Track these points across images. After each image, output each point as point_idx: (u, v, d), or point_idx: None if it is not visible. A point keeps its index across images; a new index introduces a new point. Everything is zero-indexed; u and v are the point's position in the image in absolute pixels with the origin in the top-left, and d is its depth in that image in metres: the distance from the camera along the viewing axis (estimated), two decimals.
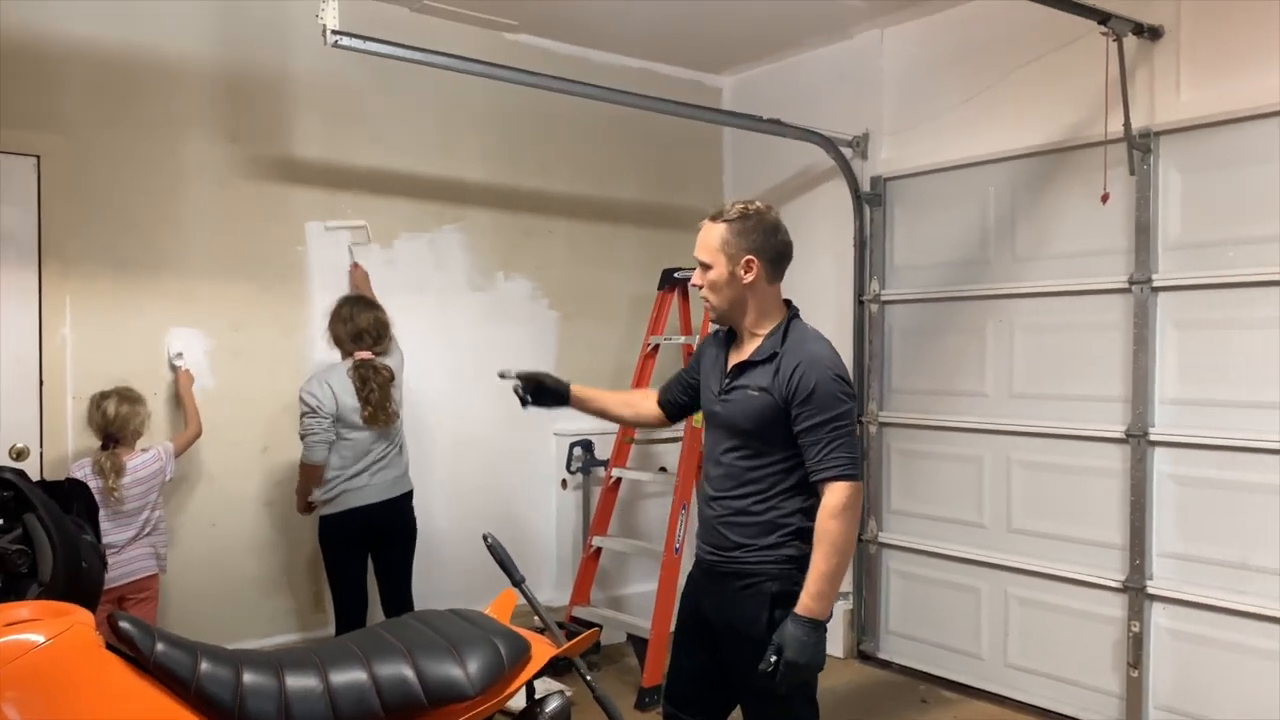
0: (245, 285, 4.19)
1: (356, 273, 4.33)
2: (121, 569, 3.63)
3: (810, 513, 2.39)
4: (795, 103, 5.02)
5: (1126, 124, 3.70)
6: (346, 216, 4.42)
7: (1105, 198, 3.78)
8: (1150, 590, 3.80)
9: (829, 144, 4.76)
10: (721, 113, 5.30)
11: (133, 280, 3.95)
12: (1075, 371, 4.07)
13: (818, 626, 2.31)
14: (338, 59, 3.82)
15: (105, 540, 3.50)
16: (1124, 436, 3.87)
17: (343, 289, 4.39)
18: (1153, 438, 3.80)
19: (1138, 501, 3.83)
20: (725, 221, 2.46)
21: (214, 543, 4.08)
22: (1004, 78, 4.31)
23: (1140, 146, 3.77)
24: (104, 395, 3.69)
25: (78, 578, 2.52)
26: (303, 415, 3.80)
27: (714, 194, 5.66)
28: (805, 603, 2.31)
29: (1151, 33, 3.76)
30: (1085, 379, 4.04)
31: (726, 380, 2.51)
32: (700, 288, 2.52)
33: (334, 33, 3.27)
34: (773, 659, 2.28)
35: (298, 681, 2.08)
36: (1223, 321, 3.65)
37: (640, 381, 4.86)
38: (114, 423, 3.65)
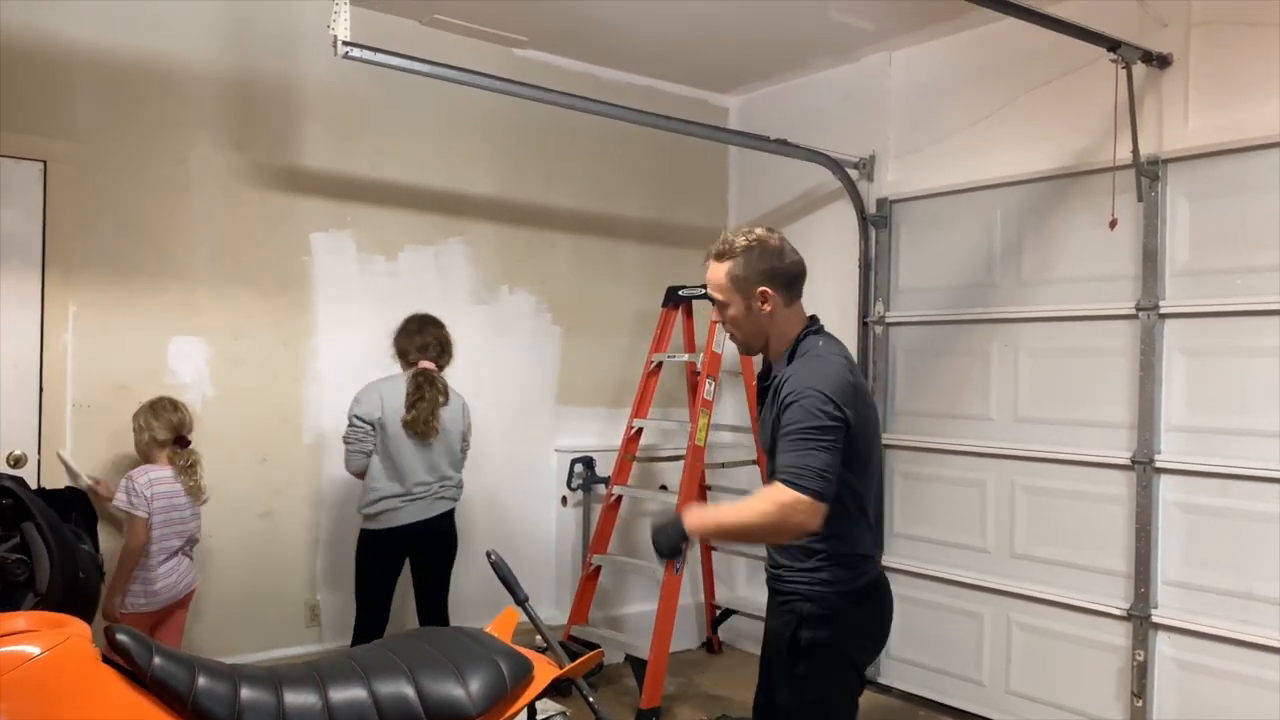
0: (248, 294, 4.18)
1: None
2: (185, 578, 3.67)
3: (843, 538, 2.37)
4: (801, 123, 5.02)
5: (1135, 150, 3.70)
6: (347, 225, 4.41)
7: (1114, 223, 3.78)
8: (1155, 619, 3.77)
9: (835, 165, 4.76)
10: (728, 132, 5.30)
11: (136, 287, 3.93)
12: (1081, 397, 4.06)
13: (677, 523, 2.34)
14: (346, 70, 3.82)
15: (163, 546, 3.55)
16: (1129, 463, 3.85)
17: (347, 297, 4.40)
18: (1158, 465, 3.78)
19: (1142, 529, 3.81)
20: (730, 258, 2.43)
21: (210, 554, 4.04)
22: (1012, 102, 4.31)
23: (1148, 173, 3.77)
24: (161, 402, 3.70)
25: (75, 588, 2.49)
26: (349, 422, 3.91)
27: (719, 213, 5.66)
28: (694, 512, 2.37)
29: (1160, 61, 3.77)
30: (1091, 404, 4.02)
31: (759, 407, 2.58)
32: (724, 324, 2.54)
33: (345, 44, 3.26)
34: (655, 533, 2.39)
35: (296, 698, 2.05)
36: (1230, 349, 3.64)
37: (643, 398, 4.83)
38: (187, 424, 3.72)
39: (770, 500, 2.25)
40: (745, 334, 2.49)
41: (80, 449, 3.78)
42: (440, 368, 4.00)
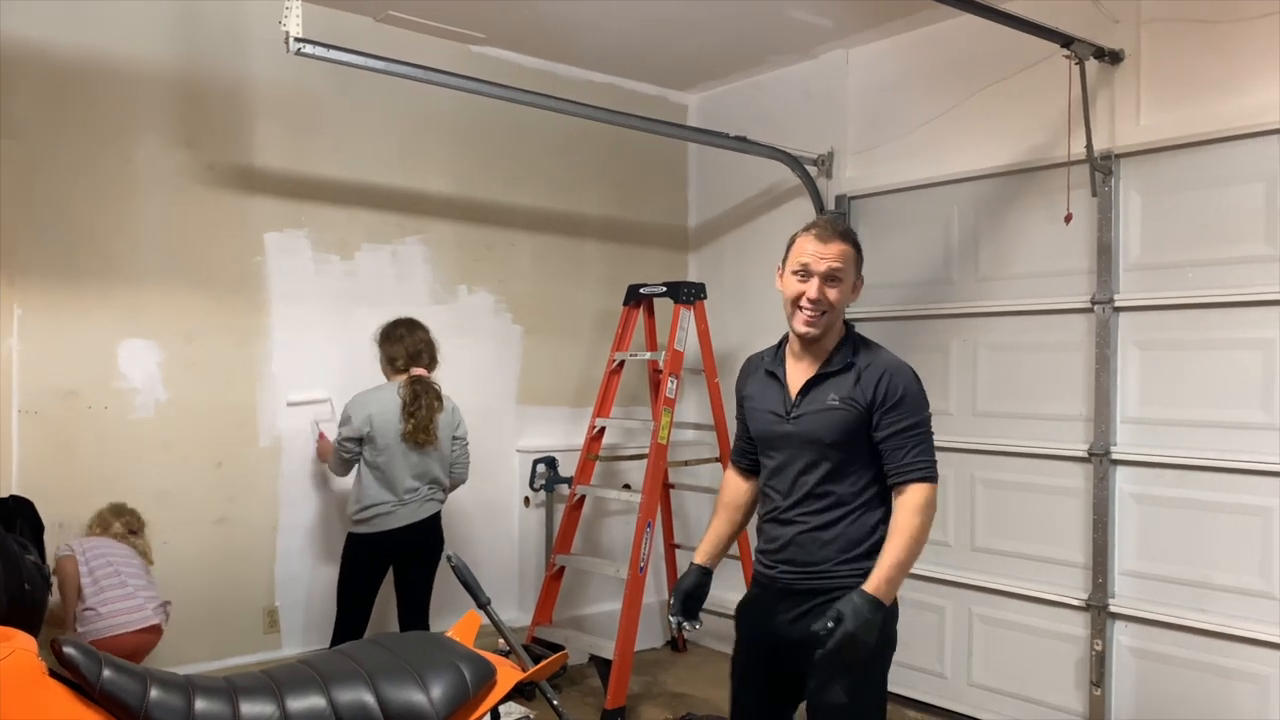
0: (200, 295, 4.09)
1: (323, 443, 4.22)
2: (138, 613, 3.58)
3: (888, 525, 2.40)
4: (761, 121, 5.02)
5: (1088, 146, 3.74)
6: (302, 224, 4.34)
7: (1069, 218, 3.82)
8: (1112, 609, 3.82)
9: (794, 162, 4.77)
10: (688, 129, 5.29)
11: (84, 290, 3.84)
12: (1038, 390, 4.10)
13: (880, 607, 2.28)
14: (299, 67, 3.75)
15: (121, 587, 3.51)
16: (1086, 455, 3.90)
17: (302, 297, 4.33)
18: (1114, 456, 3.83)
19: (1100, 520, 3.86)
20: (851, 241, 2.45)
21: (165, 561, 3.94)
22: (968, 99, 4.35)
23: (1101, 168, 3.82)
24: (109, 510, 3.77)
25: (20, 600, 2.42)
26: (338, 444, 3.93)
27: (679, 210, 5.65)
28: (875, 583, 2.29)
29: (1112, 57, 3.81)
30: (1048, 398, 4.06)
31: (799, 397, 2.46)
32: (816, 302, 2.39)
33: (297, 40, 3.20)
34: (829, 624, 2.23)
35: (253, 709, 2.00)
36: (1183, 342, 3.70)
37: (605, 397, 4.81)
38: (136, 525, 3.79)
39: (923, 509, 2.34)
40: (836, 316, 2.44)
41: (28, 456, 3.69)
42: (429, 372, 3.99)
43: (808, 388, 2.46)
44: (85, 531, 3.73)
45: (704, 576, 2.65)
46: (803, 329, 2.42)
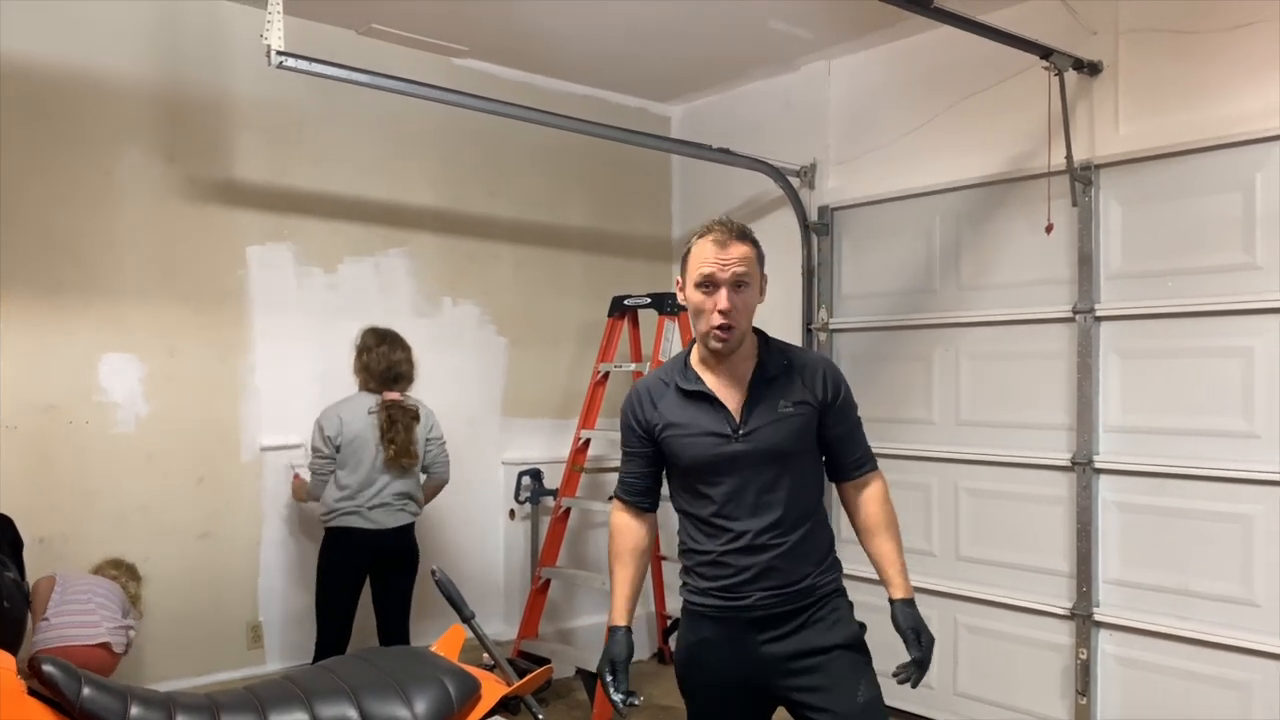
0: (182, 309, 4.07)
1: (298, 482, 4.20)
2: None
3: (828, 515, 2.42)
4: (743, 132, 5.04)
5: (1068, 156, 3.77)
6: (284, 237, 4.32)
7: (1050, 228, 3.84)
8: (1097, 617, 3.84)
9: (777, 173, 4.79)
10: (671, 141, 5.31)
11: (64, 304, 3.81)
12: (1021, 399, 4.12)
13: (918, 616, 2.38)
14: (281, 80, 3.74)
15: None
16: (1069, 464, 3.91)
17: (285, 311, 4.30)
18: (1097, 465, 3.85)
19: (1083, 529, 3.87)
20: (751, 242, 2.27)
21: (148, 577, 3.90)
22: (949, 110, 4.38)
23: (1081, 179, 3.85)
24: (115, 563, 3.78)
25: (0, 617, 2.39)
26: (313, 448, 3.90)
27: (662, 222, 5.66)
28: (905, 585, 2.38)
29: (1091, 68, 3.85)
30: (1031, 407, 4.08)
31: (744, 411, 2.28)
32: (727, 312, 2.22)
33: (279, 53, 3.19)
34: (919, 644, 2.31)
35: None
36: (1163, 350, 3.72)
37: (590, 409, 4.81)
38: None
39: (888, 498, 2.43)
40: (747, 324, 2.29)
41: (7, 472, 3.65)
42: (407, 386, 3.99)
43: (752, 399, 2.29)
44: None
45: (631, 639, 2.37)
46: (717, 345, 2.25)
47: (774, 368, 2.32)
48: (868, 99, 4.73)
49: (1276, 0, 3.42)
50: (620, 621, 2.37)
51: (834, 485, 2.49)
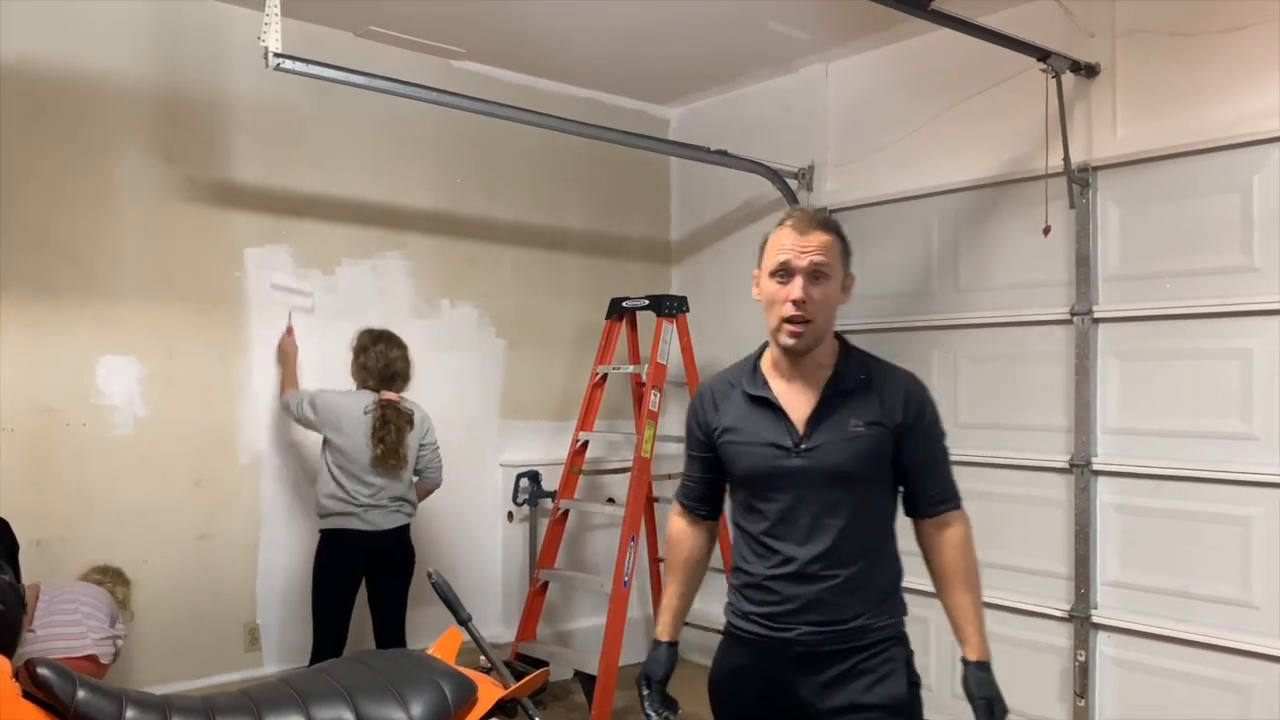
0: (180, 311, 4.06)
1: (289, 341, 4.22)
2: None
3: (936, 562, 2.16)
4: (741, 134, 5.05)
5: (1066, 159, 3.77)
6: (282, 239, 4.32)
7: (1047, 230, 3.84)
8: (1095, 619, 3.83)
9: (775, 176, 4.79)
10: (669, 143, 5.31)
11: (61, 306, 3.80)
12: (1019, 401, 4.12)
13: (991, 676, 2.11)
14: (279, 82, 3.74)
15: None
16: (1067, 466, 3.91)
17: (282, 316, 4.29)
18: (1095, 467, 3.84)
19: (1081, 531, 3.87)
20: (835, 232, 2.09)
21: (145, 580, 3.91)
22: (947, 112, 4.38)
23: (1079, 181, 3.85)
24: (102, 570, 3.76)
25: None
26: (299, 413, 3.96)
27: (661, 224, 5.66)
28: (981, 646, 2.11)
29: (1088, 70, 3.85)
30: (1029, 409, 4.08)
31: (809, 424, 2.07)
32: (801, 303, 2.02)
33: (276, 55, 3.19)
34: (991, 715, 2.06)
35: None
36: (1161, 352, 3.72)
37: (588, 411, 4.81)
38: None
39: (970, 541, 2.14)
40: (824, 322, 2.06)
41: (4, 475, 3.65)
42: (404, 386, 4.00)
43: (820, 412, 2.07)
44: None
45: (674, 655, 2.29)
46: (789, 340, 2.03)
47: (850, 380, 2.09)
48: (866, 101, 4.73)
49: (1274, 2, 3.42)
50: (664, 636, 2.28)
51: (910, 521, 2.23)
